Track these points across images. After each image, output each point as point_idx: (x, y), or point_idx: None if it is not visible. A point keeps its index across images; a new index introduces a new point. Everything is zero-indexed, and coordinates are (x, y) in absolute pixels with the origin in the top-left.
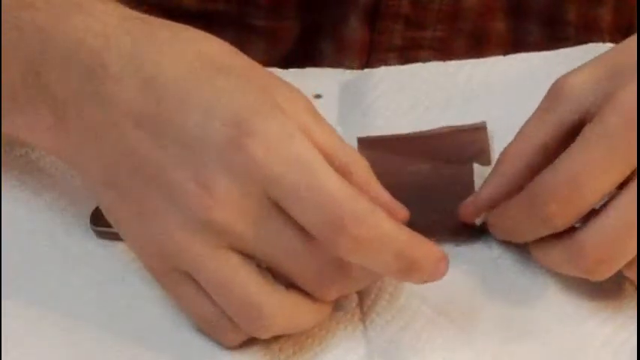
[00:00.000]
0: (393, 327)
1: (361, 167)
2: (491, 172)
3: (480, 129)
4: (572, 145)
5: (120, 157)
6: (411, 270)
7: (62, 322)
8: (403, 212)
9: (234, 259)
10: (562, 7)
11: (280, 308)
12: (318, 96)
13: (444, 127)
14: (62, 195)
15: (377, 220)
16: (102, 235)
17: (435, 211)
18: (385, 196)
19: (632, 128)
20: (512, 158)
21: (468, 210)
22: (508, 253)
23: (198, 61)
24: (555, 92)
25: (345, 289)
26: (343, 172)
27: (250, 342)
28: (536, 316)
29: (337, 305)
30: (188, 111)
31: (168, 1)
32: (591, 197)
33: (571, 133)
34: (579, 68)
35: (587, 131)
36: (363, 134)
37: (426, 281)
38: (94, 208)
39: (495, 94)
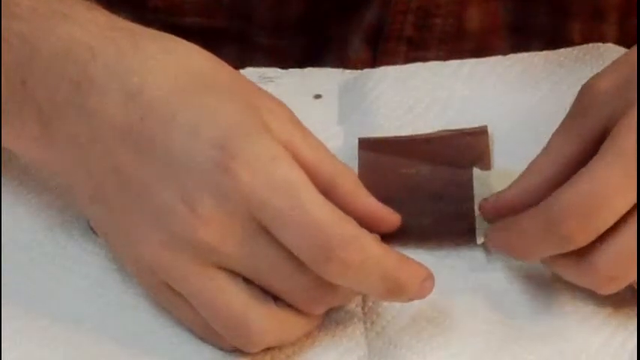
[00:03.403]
0: (393, 328)
1: (348, 178)
2: (517, 179)
3: (481, 133)
4: (591, 162)
5: (105, 171)
6: (397, 291)
7: (62, 322)
8: (394, 218)
9: (221, 278)
10: (566, 25)
11: (269, 324)
12: (318, 96)
13: (445, 130)
14: (62, 195)
15: (363, 245)
16: None
17: (434, 213)
18: (374, 204)
19: None
20: (538, 169)
21: (488, 209)
22: (511, 258)
23: (184, 75)
24: (580, 100)
25: (332, 304)
26: (329, 184)
27: None
28: (535, 316)
29: (337, 306)
30: (173, 129)
31: (170, 18)
32: (611, 216)
33: (597, 143)
34: (604, 72)
35: (605, 149)
36: (364, 134)
37: (411, 299)
38: None
39: (496, 93)
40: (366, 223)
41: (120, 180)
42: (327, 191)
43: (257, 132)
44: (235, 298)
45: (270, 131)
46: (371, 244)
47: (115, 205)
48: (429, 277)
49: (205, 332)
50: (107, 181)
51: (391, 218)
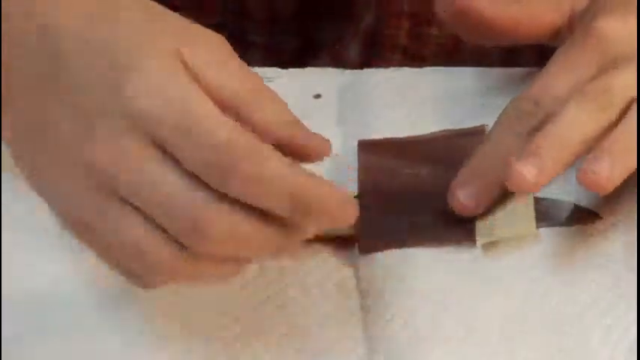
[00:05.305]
0: (393, 326)
1: (267, 104)
2: None
3: (479, 133)
4: None
5: (24, 112)
6: (311, 212)
7: (62, 322)
8: (321, 142)
9: (117, 208)
10: None
11: (165, 256)
12: (317, 96)
13: (444, 131)
14: None
15: (265, 158)
16: None
17: (434, 213)
18: (298, 130)
19: None
20: None
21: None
22: (508, 253)
23: (93, 4)
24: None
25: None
26: (240, 108)
27: (250, 342)
28: (535, 312)
29: (337, 305)
30: (82, 55)
31: None
32: None
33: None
34: (614, 16)
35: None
36: (363, 134)
37: (335, 225)
38: None
39: (496, 95)
40: (291, 151)
41: (33, 120)
42: (239, 117)
43: (156, 50)
44: (131, 228)
45: (175, 53)
46: (273, 158)
47: (29, 149)
48: (350, 202)
49: (133, 255)
50: (23, 122)
51: (318, 143)
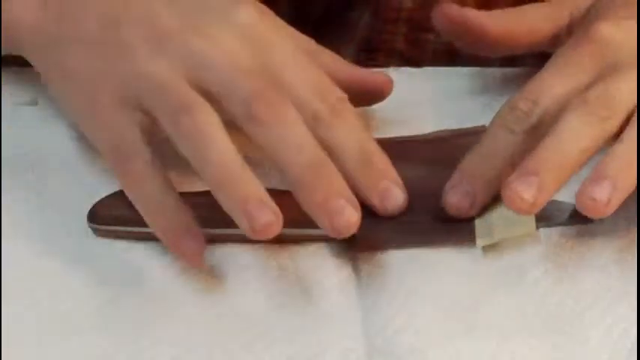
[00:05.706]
0: (392, 326)
1: (327, 54)
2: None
3: (479, 133)
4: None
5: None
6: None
7: (61, 322)
8: (383, 78)
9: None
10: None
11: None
12: None
13: (443, 130)
14: (62, 194)
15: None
16: (99, 232)
17: (434, 213)
18: (358, 69)
19: None
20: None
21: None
22: (508, 253)
23: None
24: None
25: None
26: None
27: (250, 342)
28: (535, 312)
29: (337, 305)
30: None
31: None
32: None
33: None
34: (617, 21)
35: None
36: None
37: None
38: (91, 206)
39: (495, 95)
40: (355, 89)
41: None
42: None
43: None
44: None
45: None
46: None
47: (112, 39)
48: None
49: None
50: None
51: (380, 78)
